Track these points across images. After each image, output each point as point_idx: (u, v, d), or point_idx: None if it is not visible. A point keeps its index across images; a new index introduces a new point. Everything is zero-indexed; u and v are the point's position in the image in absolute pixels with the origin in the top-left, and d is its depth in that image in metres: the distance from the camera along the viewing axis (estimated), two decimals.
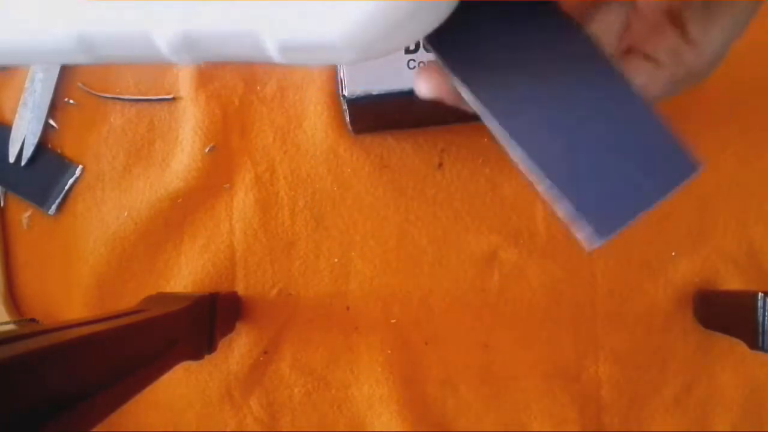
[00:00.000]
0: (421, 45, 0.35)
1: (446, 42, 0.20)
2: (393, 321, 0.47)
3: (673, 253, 0.46)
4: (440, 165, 0.47)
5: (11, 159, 0.46)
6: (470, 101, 0.21)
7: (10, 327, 0.45)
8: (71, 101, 0.47)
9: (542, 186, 0.20)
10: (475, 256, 0.46)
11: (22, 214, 0.47)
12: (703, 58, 0.22)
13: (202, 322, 0.39)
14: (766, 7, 0.25)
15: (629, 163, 0.22)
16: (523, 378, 0.46)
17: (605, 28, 0.22)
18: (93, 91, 0.47)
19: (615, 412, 0.46)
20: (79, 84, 0.47)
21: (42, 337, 0.22)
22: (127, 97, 0.47)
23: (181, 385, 0.47)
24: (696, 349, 0.46)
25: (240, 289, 0.47)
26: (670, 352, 0.46)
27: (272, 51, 0.16)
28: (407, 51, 0.36)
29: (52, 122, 0.47)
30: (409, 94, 0.36)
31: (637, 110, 0.22)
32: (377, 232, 0.47)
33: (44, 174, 0.46)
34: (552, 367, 0.46)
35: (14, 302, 0.47)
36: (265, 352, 0.47)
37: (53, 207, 0.47)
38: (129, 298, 0.47)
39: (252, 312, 0.47)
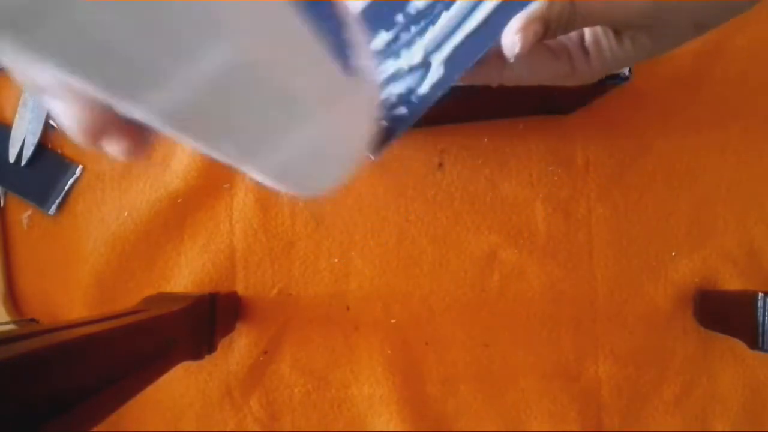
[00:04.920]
0: None
1: None
2: (393, 321, 0.47)
3: (673, 253, 0.46)
4: (440, 165, 0.47)
5: (11, 159, 0.46)
6: None
7: (10, 327, 0.45)
8: None
9: None
10: (475, 256, 0.46)
11: (22, 214, 0.47)
12: (589, 66, 0.27)
13: (202, 322, 0.39)
14: (765, 7, 0.25)
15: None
16: (523, 378, 0.46)
17: None
18: None
19: (615, 412, 0.46)
20: None
21: (42, 337, 0.22)
22: None
23: (181, 385, 0.47)
24: (696, 349, 0.46)
25: (240, 289, 0.47)
26: (670, 352, 0.46)
27: None
28: None
29: (52, 122, 0.47)
30: None
31: None
32: (377, 232, 0.47)
33: (44, 174, 0.46)
34: (552, 367, 0.46)
35: (14, 302, 0.47)
36: (265, 352, 0.47)
37: (53, 207, 0.47)
38: (129, 298, 0.47)
39: (252, 312, 0.47)
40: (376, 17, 0.23)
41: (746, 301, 0.39)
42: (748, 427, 0.46)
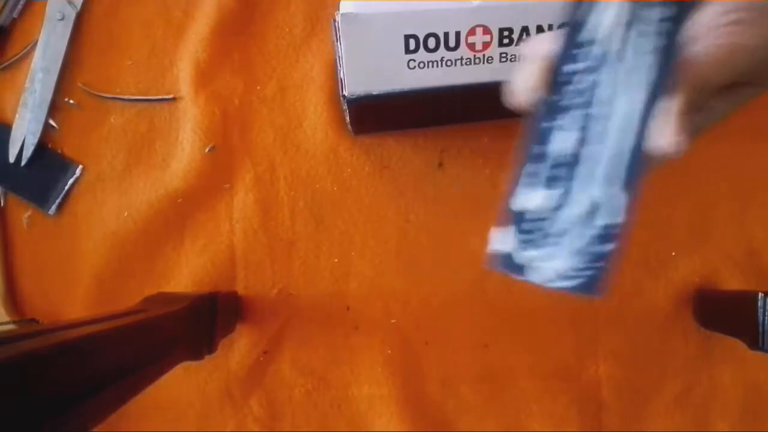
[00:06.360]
0: (421, 46, 0.35)
1: None
2: (393, 321, 0.47)
3: (673, 253, 0.46)
4: (440, 165, 0.47)
5: (11, 159, 0.46)
6: None
7: (10, 327, 0.45)
8: (71, 101, 0.47)
9: None
10: (475, 256, 0.46)
11: (22, 214, 0.47)
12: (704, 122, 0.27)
13: (202, 322, 0.39)
14: None
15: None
16: (523, 378, 0.46)
17: None
18: (93, 91, 0.47)
19: (615, 412, 0.46)
20: (80, 84, 0.47)
21: (42, 337, 0.22)
22: (127, 97, 0.47)
23: (181, 385, 0.47)
24: (696, 349, 0.46)
25: (240, 289, 0.47)
26: (670, 352, 0.46)
27: None
28: (407, 51, 0.36)
29: (52, 122, 0.47)
30: (409, 94, 0.37)
31: None
32: (377, 232, 0.47)
33: (44, 174, 0.46)
34: (552, 367, 0.46)
35: (14, 302, 0.47)
36: (265, 352, 0.47)
37: (53, 207, 0.47)
38: (129, 298, 0.47)
39: (252, 312, 0.47)
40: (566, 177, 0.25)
41: (746, 301, 0.39)
42: (748, 427, 0.46)
